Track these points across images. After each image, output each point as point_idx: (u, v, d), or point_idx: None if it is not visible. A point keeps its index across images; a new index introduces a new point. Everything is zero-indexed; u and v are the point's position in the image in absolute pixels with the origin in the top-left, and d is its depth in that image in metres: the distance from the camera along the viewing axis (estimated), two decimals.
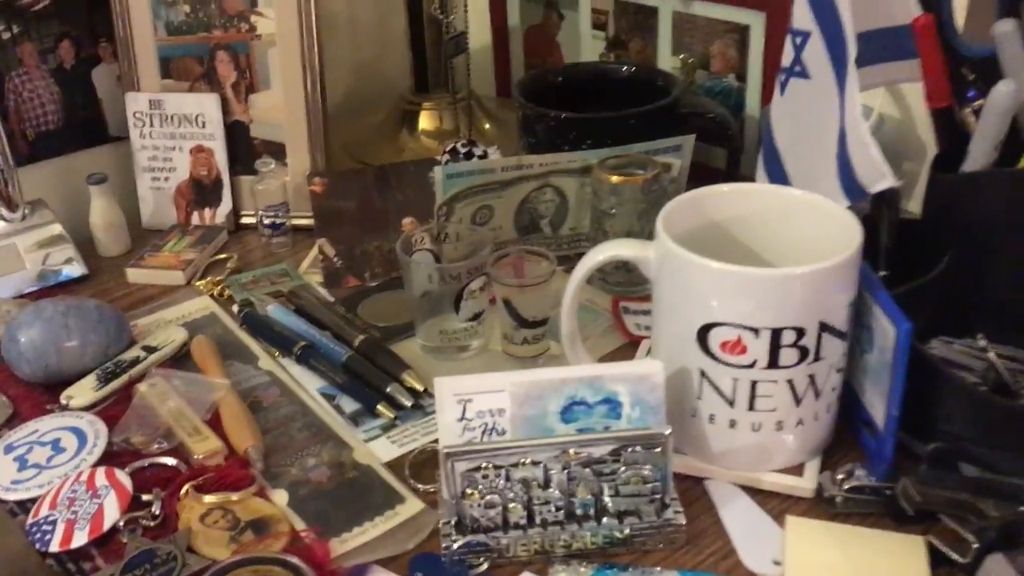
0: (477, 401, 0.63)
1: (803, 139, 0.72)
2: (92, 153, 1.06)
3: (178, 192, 1.03)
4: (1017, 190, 0.65)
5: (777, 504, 0.65)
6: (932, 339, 0.71)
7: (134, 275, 0.95)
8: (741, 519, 0.64)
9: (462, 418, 0.63)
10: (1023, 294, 0.68)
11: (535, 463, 0.61)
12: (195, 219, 1.03)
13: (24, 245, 0.95)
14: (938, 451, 0.63)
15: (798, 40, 0.70)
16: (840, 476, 0.65)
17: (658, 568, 0.61)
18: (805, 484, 0.66)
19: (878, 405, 0.64)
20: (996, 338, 0.69)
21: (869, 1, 0.70)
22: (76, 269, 0.95)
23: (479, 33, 1.20)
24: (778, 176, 0.75)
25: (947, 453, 0.63)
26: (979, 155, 0.65)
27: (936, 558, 0.59)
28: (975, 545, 0.57)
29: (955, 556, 0.58)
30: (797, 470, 0.67)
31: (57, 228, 0.97)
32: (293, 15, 0.98)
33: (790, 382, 0.63)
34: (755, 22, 0.98)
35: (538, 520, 0.62)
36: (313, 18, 0.97)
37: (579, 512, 0.62)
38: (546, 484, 0.61)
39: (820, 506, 0.65)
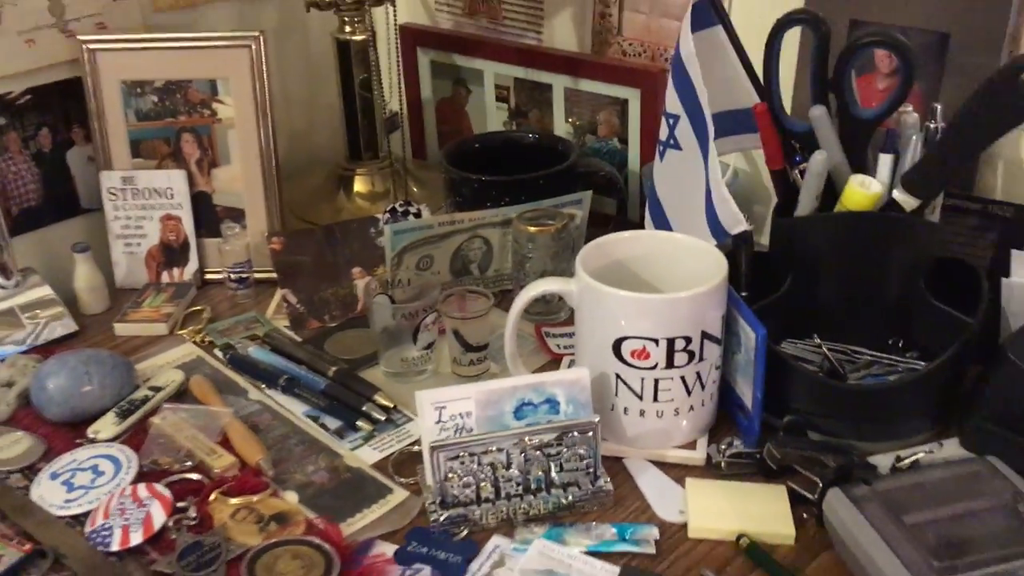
0: (450, 407, 0.82)
1: (679, 194, 0.95)
2: (67, 224, 1.20)
3: (149, 255, 1.18)
4: (833, 229, 0.89)
5: (678, 472, 0.86)
6: (783, 341, 0.93)
7: (121, 328, 1.10)
8: (653, 484, 0.85)
9: (439, 421, 0.82)
10: (843, 305, 0.91)
11: (499, 450, 0.80)
12: (165, 277, 1.18)
13: (21, 307, 1.08)
14: (791, 423, 0.86)
15: (671, 121, 0.93)
16: (723, 447, 0.86)
17: (595, 523, 0.81)
18: (697, 455, 0.87)
19: (746, 392, 0.86)
20: (827, 337, 0.92)
21: (722, 89, 0.93)
22: (69, 326, 1.09)
23: (393, 104, 1.39)
24: (661, 223, 0.97)
25: (797, 424, 0.86)
26: (806, 204, 0.88)
27: (795, 498, 0.81)
28: (820, 485, 0.80)
29: (807, 494, 0.80)
30: (691, 445, 0.88)
31: (48, 291, 1.11)
32: (249, 102, 1.15)
33: (683, 378, 0.85)
34: (632, 96, 1.21)
35: (503, 494, 0.81)
36: (268, 104, 1.15)
37: (533, 486, 0.81)
38: (508, 465, 0.80)
39: (710, 470, 0.86)
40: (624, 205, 1.25)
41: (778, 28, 0.87)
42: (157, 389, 0.97)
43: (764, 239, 1.01)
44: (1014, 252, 0.86)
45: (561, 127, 1.30)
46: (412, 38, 1.39)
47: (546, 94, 1.30)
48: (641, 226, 1.06)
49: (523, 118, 1.34)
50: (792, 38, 0.94)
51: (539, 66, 1.28)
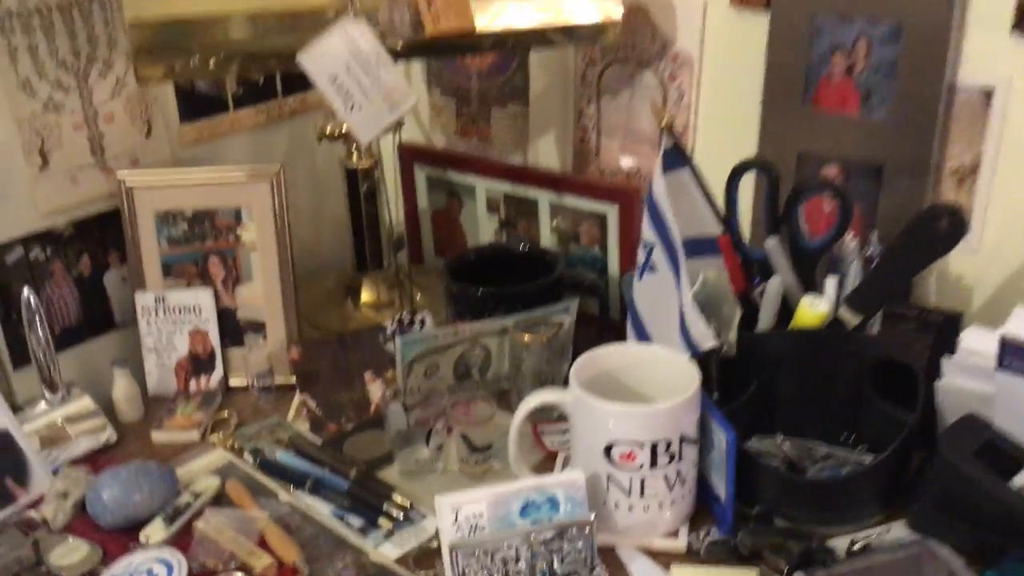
0: (464, 508, 0.94)
1: (656, 312, 1.09)
2: (103, 339, 1.32)
3: (179, 365, 1.30)
4: (788, 343, 1.03)
5: (664, 559, 0.99)
6: (751, 436, 1.07)
7: (158, 436, 1.21)
8: (642, 570, 0.98)
9: (455, 521, 0.94)
10: (801, 405, 1.05)
11: (509, 546, 0.92)
12: (192, 386, 1.31)
13: (66, 420, 1.20)
14: (760, 512, 0.99)
15: (648, 248, 1.07)
16: (702, 535, 0.99)
17: None
18: (679, 543, 1.00)
19: (720, 486, 0.99)
20: (789, 432, 1.06)
21: (690, 219, 1.07)
22: (111, 436, 1.20)
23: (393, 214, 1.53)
24: (642, 336, 1.11)
25: (765, 513, 0.99)
26: (765, 320, 1.03)
27: None
28: (786, 570, 0.92)
29: None
30: (674, 534, 1.01)
31: (89, 403, 1.22)
32: (270, 227, 1.28)
33: (665, 476, 0.98)
34: (611, 211, 1.36)
35: None
36: (287, 229, 1.29)
37: None
38: (517, 559, 0.93)
39: (691, 556, 0.99)
40: (606, 306, 1.39)
41: (735, 173, 1.02)
42: (198, 495, 1.08)
43: (733, 333, 1.15)
44: (943, 359, 1.00)
45: (547, 237, 1.44)
46: (410, 156, 1.53)
47: (533, 207, 1.44)
48: (621, 325, 1.19)
49: (512, 227, 1.48)
50: (749, 177, 1.09)
51: (526, 183, 1.43)
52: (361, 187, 1.39)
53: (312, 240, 1.56)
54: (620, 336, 1.15)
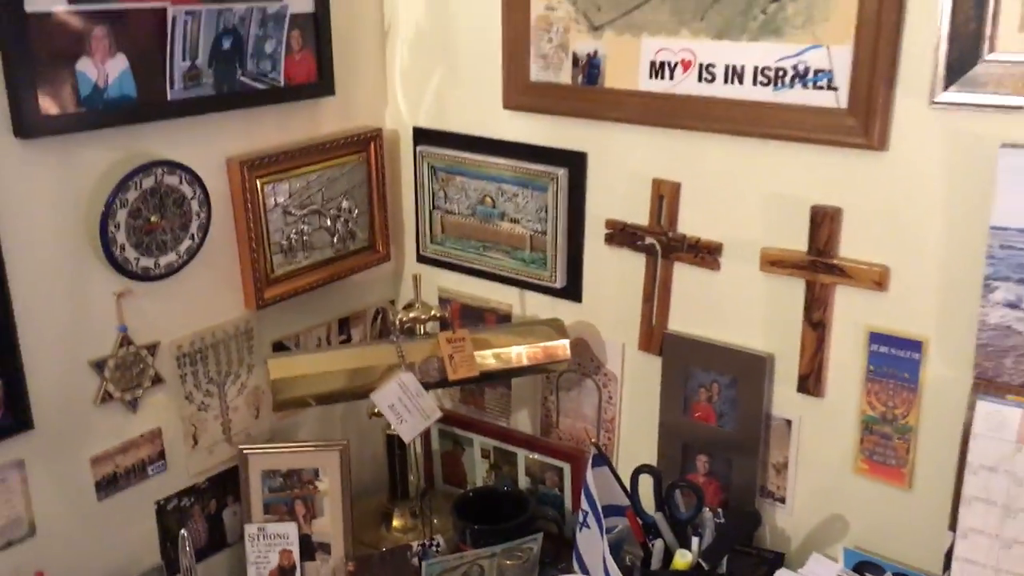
0: None
1: (590, 553, 1.72)
2: (219, 555, 1.94)
3: (270, 574, 1.92)
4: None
5: None
6: None
7: None
8: None
9: None
10: None
11: None
12: None
13: None
14: None
15: (583, 514, 1.71)
16: None
17: None
18: None
19: None
20: None
21: (609, 495, 1.72)
22: None
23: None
24: (583, 568, 1.74)
25: None
26: (655, 564, 1.66)
27: None
28: None
29: None
30: None
31: None
32: (338, 481, 1.92)
33: None
34: (566, 467, 2.00)
35: None
36: (349, 483, 1.92)
37: None
38: None
39: None
40: (561, 529, 2.03)
41: (635, 473, 1.67)
42: None
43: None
44: None
45: (523, 478, 2.08)
46: None
47: (513, 457, 2.09)
48: (572, 542, 1.82)
49: (499, 469, 2.13)
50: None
51: (508, 441, 2.08)
52: (395, 444, 2.05)
53: (356, 475, 2.20)
54: (571, 549, 1.77)
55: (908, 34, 1.43)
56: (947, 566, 1.51)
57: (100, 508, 1.71)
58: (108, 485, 1.71)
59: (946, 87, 1.40)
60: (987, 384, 1.46)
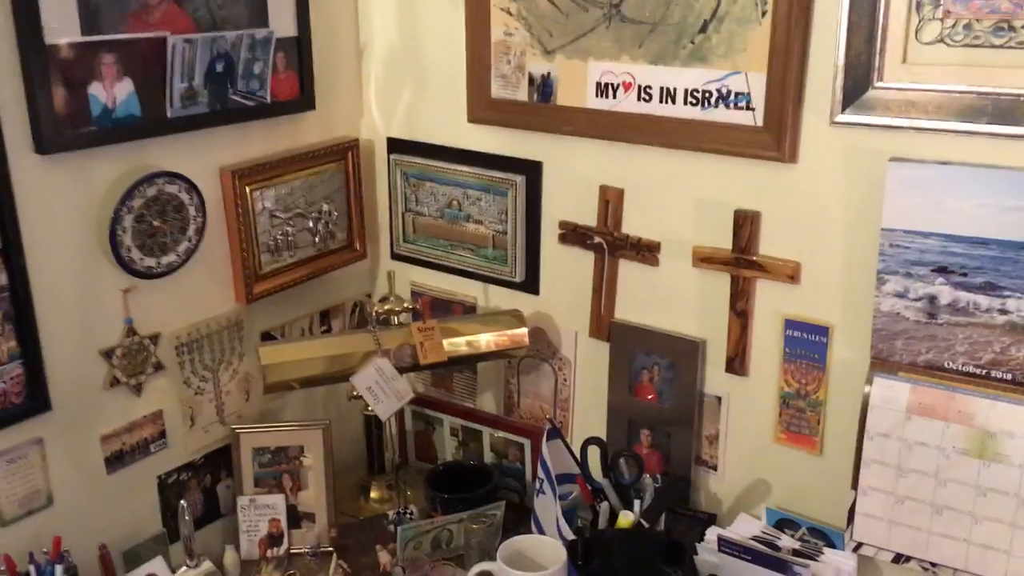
0: None
1: (546, 517, 1.95)
2: (215, 525, 2.15)
3: (260, 541, 2.13)
4: (615, 536, 1.89)
5: None
6: None
7: None
8: None
9: None
10: (626, 571, 1.91)
11: None
12: (269, 553, 2.13)
13: None
14: None
15: (539, 481, 1.94)
16: None
17: None
18: None
19: None
20: None
21: (561, 464, 1.94)
22: None
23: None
24: (539, 530, 1.97)
25: None
26: (601, 523, 1.89)
27: None
28: None
29: None
30: None
31: (211, 567, 2.04)
32: (320, 455, 2.14)
33: None
34: (526, 442, 2.23)
35: None
36: (331, 459, 2.14)
37: None
38: None
39: None
40: (522, 498, 2.26)
41: (584, 444, 1.90)
42: None
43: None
44: (697, 543, 1.86)
45: (488, 454, 2.31)
46: None
47: (479, 435, 2.32)
48: (531, 510, 2.04)
49: (466, 446, 2.35)
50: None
51: (474, 420, 2.31)
52: (373, 424, 2.26)
53: (337, 451, 2.42)
54: (531, 515, 2.00)
55: (812, 63, 1.67)
56: (851, 520, 1.76)
57: (109, 481, 1.92)
58: (116, 461, 1.92)
59: (843, 109, 1.64)
60: (881, 363, 1.70)
